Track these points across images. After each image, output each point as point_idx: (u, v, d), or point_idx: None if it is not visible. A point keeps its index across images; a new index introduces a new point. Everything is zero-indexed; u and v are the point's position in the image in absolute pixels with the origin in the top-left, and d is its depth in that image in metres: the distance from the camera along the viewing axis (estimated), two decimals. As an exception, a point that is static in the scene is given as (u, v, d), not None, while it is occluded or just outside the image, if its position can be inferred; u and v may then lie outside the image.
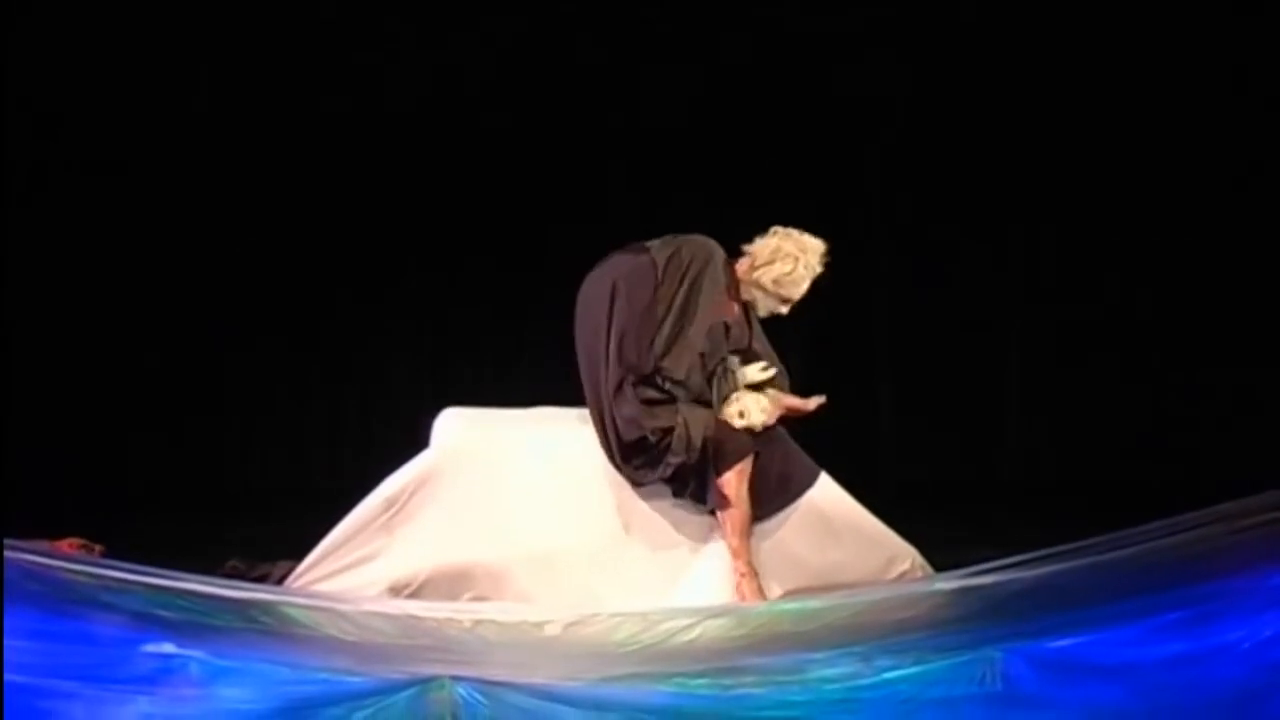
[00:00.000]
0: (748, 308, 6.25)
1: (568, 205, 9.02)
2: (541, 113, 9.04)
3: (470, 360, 9.04)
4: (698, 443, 5.99)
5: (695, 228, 6.15)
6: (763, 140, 9.07)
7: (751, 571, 6.00)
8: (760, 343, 6.32)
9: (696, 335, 6.05)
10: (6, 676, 4.20)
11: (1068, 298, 9.21)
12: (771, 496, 6.13)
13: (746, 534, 6.02)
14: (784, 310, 6.25)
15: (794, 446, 6.21)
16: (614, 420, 6.02)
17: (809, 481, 6.18)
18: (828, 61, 9.03)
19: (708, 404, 6.08)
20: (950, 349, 9.23)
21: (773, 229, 6.24)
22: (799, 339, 7.48)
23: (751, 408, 6.10)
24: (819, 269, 6.20)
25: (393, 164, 9.05)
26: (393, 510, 6.06)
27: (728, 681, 4.60)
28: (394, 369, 9.16)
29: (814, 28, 8.96)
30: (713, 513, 6.09)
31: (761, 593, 5.99)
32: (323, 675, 4.52)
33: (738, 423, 6.07)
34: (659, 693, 4.52)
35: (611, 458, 6.09)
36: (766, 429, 6.12)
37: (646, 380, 6.03)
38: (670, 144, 9.02)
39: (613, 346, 6.02)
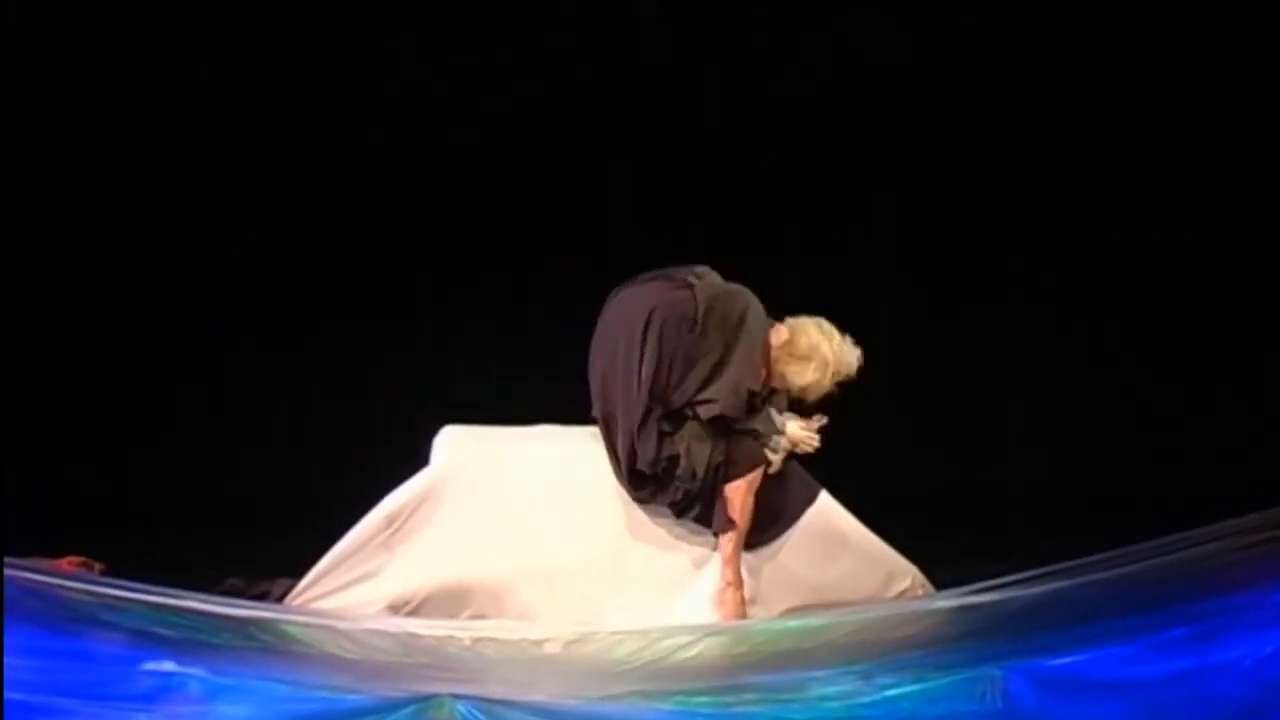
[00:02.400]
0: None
1: (573, 221, 9.01)
2: (549, 126, 9.04)
3: (472, 377, 9.02)
4: (700, 471, 5.98)
5: (699, 243, 6.12)
6: (765, 155, 9.07)
7: (738, 581, 5.97)
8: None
9: (728, 382, 5.99)
10: (6, 694, 4.20)
11: (1069, 310, 9.20)
12: (772, 517, 6.12)
13: (740, 544, 6.00)
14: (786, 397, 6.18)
15: (794, 464, 6.20)
16: (632, 447, 5.99)
17: (809, 500, 6.17)
18: (830, 72, 9.04)
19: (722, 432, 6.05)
20: (950, 363, 9.22)
21: (818, 320, 6.14)
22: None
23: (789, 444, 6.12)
24: (843, 376, 6.12)
25: (398, 174, 9.03)
26: (393, 528, 6.05)
27: (728, 699, 4.60)
28: (395, 386, 9.14)
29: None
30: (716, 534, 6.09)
31: (743, 604, 5.97)
32: (322, 693, 4.52)
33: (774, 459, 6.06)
34: (659, 711, 4.53)
35: (621, 479, 6.07)
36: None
37: (673, 414, 6.00)
38: (676, 159, 9.01)
39: (644, 375, 5.97)
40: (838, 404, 6.32)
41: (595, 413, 6.13)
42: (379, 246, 9.06)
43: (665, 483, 6.02)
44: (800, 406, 6.17)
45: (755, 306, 6.10)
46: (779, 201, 9.05)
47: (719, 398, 5.97)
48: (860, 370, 6.14)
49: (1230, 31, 8.82)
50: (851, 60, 9.04)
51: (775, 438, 6.07)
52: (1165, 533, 5.38)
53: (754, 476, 6.03)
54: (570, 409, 6.31)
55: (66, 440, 8.75)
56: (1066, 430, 9.17)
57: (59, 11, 8.65)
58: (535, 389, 8.16)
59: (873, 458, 9.11)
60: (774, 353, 6.10)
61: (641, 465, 5.97)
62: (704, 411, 5.98)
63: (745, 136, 9.06)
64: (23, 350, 8.59)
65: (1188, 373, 9.06)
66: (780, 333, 6.12)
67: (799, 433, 6.10)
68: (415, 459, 6.24)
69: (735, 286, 6.15)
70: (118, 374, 8.88)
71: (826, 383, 6.09)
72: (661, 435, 5.97)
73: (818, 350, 6.07)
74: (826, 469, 6.28)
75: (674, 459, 5.98)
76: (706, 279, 6.15)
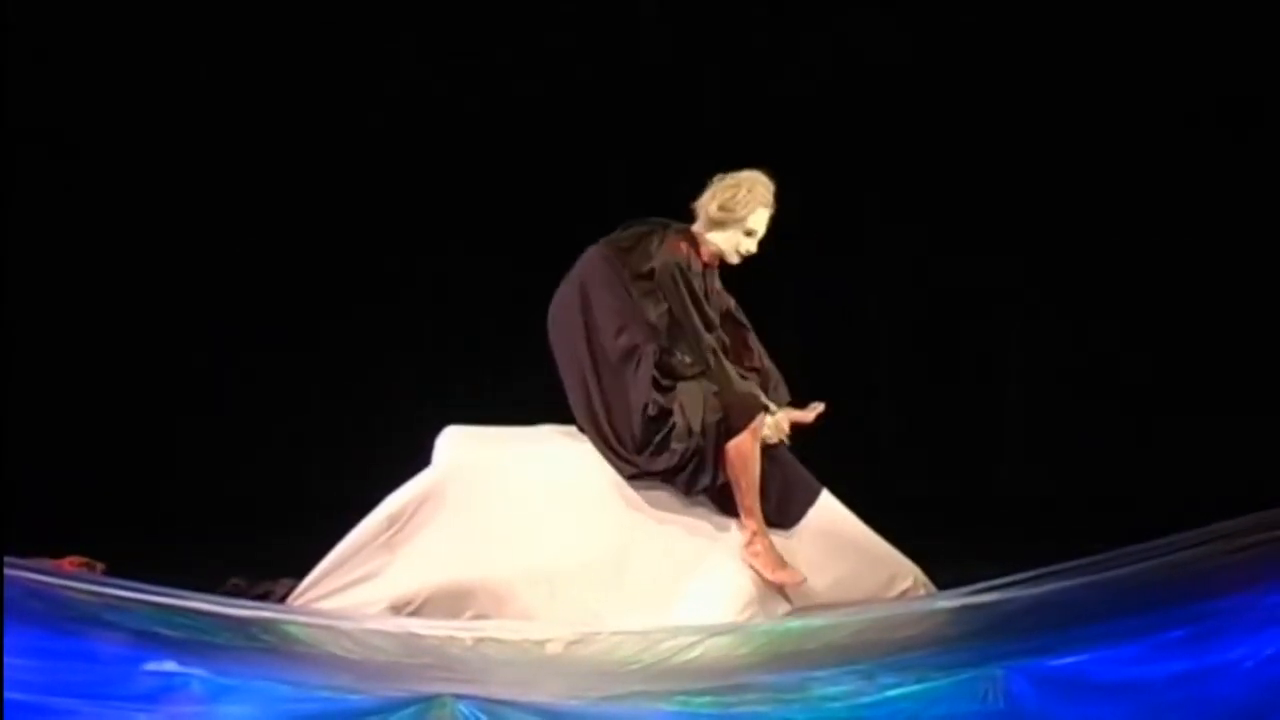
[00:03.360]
0: (720, 264, 6.30)
1: (573, 221, 8.99)
2: (549, 126, 9.04)
3: (473, 378, 9.02)
4: (698, 426, 6.01)
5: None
6: (765, 155, 9.06)
7: (763, 529, 6.02)
8: (759, 351, 6.35)
9: (687, 325, 6.12)
10: (8, 694, 4.20)
11: (1068, 313, 9.20)
12: (774, 517, 6.12)
13: (756, 495, 6.04)
14: (751, 245, 6.24)
15: (796, 464, 6.21)
16: (611, 410, 6.08)
17: (811, 500, 6.18)
18: (829, 73, 9.04)
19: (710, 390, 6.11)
20: (950, 363, 9.22)
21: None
22: (798, 352, 7.48)
23: (770, 429, 6.14)
24: (769, 198, 6.24)
25: (398, 175, 9.04)
26: (394, 528, 6.06)
27: (730, 700, 4.61)
28: (396, 387, 9.15)
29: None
30: (722, 512, 6.09)
31: (773, 549, 6.00)
32: (324, 693, 4.52)
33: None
34: (661, 711, 4.53)
35: (617, 456, 6.09)
36: (770, 446, 6.12)
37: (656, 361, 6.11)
38: (677, 157, 9.00)
39: (609, 336, 6.13)
40: (840, 406, 6.33)
41: (575, 406, 6.22)
42: (380, 247, 9.07)
43: (664, 443, 6.03)
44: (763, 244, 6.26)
45: (656, 229, 6.30)
46: (778, 201, 9.05)
47: (693, 352, 6.10)
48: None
49: (1229, 32, 8.83)
50: (851, 60, 9.05)
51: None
52: (1165, 534, 5.38)
53: (755, 426, 6.05)
54: (571, 410, 6.31)
55: (68, 440, 8.75)
56: (1066, 432, 9.17)
57: (59, 11, 8.65)
58: (536, 390, 8.17)
59: (874, 458, 9.12)
60: (702, 227, 6.25)
61: (634, 415, 6.02)
62: (688, 369, 6.09)
63: (745, 136, 9.05)
64: (24, 350, 8.60)
65: (1188, 373, 9.07)
66: (698, 219, 6.26)
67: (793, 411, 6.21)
68: (417, 459, 6.25)
69: (635, 224, 6.35)
70: (119, 374, 8.89)
71: (745, 194, 6.23)
72: (654, 382, 6.06)
73: (717, 184, 6.25)
74: (828, 470, 6.28)
75: (667, 414, 6.03)
76: (612, 239, 6.35)
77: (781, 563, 6.01)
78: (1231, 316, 8.99)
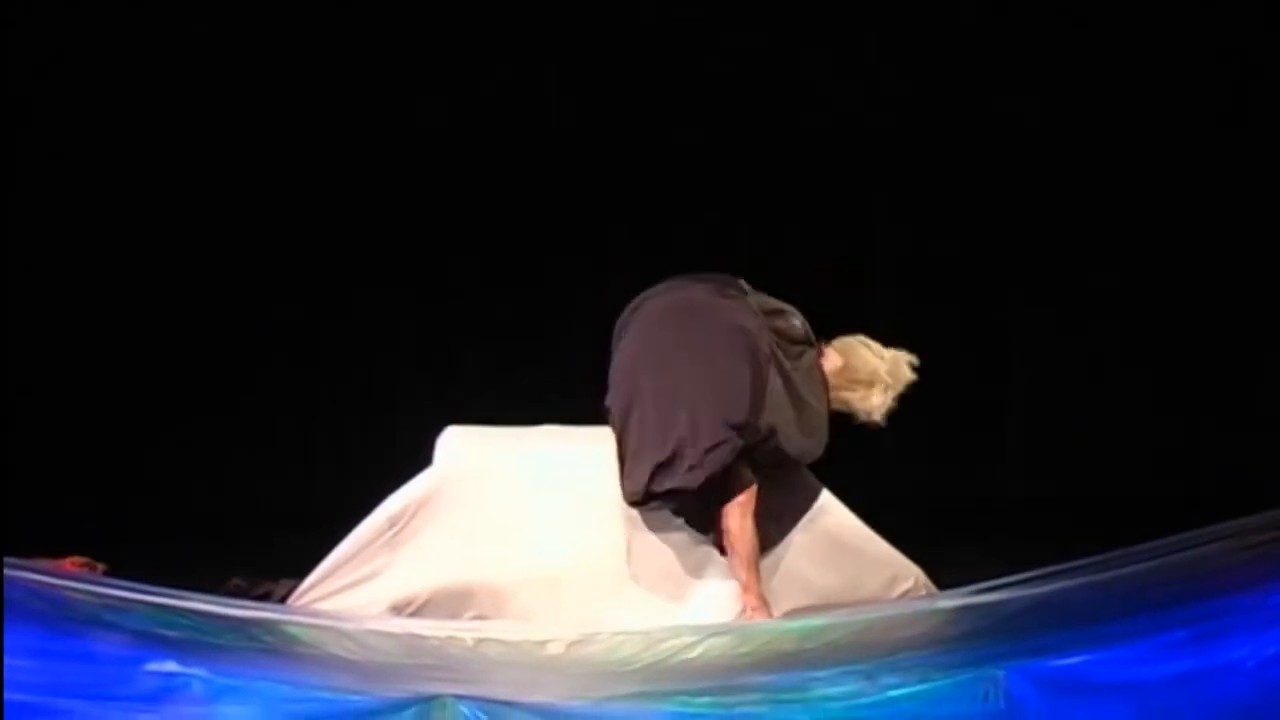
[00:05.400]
0: None
1: (573, 224, 9.02)
2: (550, 125, 9.04)
3: (474, 377, 9.02)
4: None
5: (699, 244, 6.06)
6: (766, 155, 9.07)
7: (763, 605, 5.86)
8: None
9: (808, 424, 5.90)
10: (7, 695, 4.21)
11: (1072, 311, 9.20)
12: (775, 518, 6.09)
13: (754, 566, 5.87)
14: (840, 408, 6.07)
15: (798, 465, 6.18)
16: (683, 467, 5.76)
17: (812, 499, 6.16)
18: (830, 73, 9.05)
19: None
20: (953, 362, 9.22)
21: (862, 339, 6.07)
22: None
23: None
24: (901, 391, 6.05)
25: (399, 180, 9.04)
26: (395, 528, 6.05)
27: (731, 700, 4.60)
28: (398, 386, 9.15)
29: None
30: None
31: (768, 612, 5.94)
32: (325, 694, 4.51)
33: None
34: (662, 711, 4.53)
35: (625, 481, 5.93)
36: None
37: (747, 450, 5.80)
38: (678, 167, 9.02)
39: (715, 405, 5.74)
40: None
41: (614, 404, 5.94)
42: (382, 248, 9.07)
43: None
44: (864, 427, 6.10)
45: (809, 334, 5.98)
46: (779, 201, 9.06)
47: (802, 446, 5.87)
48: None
49: (1230, 32, 8.84)
50: (852, 60, 9.05)
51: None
52: (1167, 533, 5.38)
53: (747, 497, 5.87)
54: (574, 409, 6.30)
55: (69, 441, 8.75)
56: (1068, 433, 9.17)
57: (56, 14, 8.66)
58: (539, 389, 8.18)
59: (874, 459, 9.12)
60: (832, 380, 6.00)
61: (686, 483, 5.73)
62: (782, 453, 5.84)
63: (746, 136, 9.07)
64: (25, 350, 8.60)
65: (1188, 373, 9.07)
66: (832, 358, 6.03)
67: None
68: (418, 459, 6.24)
69: (791, 309, 6.01)
70: (121, 375, 8.89)
71: (890, 402, 6.02)
72: (727, 470, 5.74)
73: (877, 374, 6.01)
74: (830, 473, 6.27)
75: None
76: (765, 302, 5.99)
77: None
78: (1234, 316, 8.99)
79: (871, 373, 6.01)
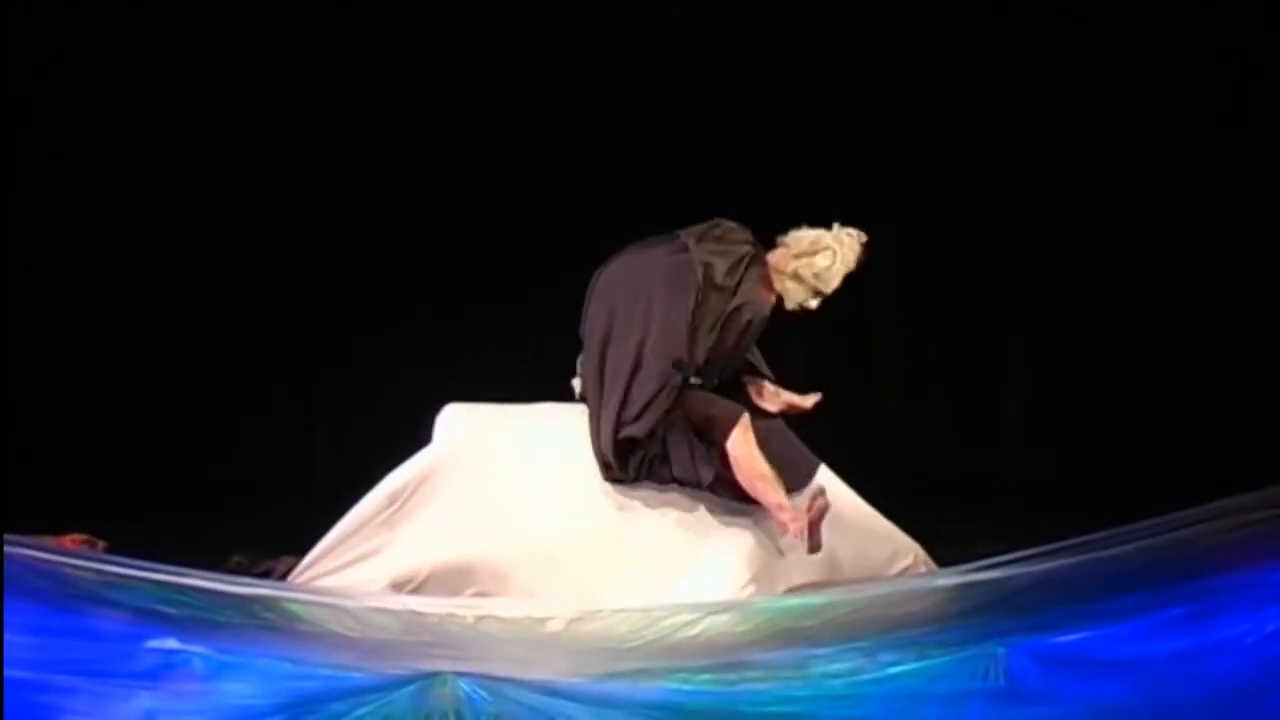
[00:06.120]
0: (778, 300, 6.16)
1: (573, 202, 9.02)
2: (549, 133, 9.04)
3: (473, 356, 9.03)
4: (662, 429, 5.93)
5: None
6: (767, 150, 9.07)
7: (799, 517, 5.85)
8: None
9: (731, 345, 6.00)
10: (8, 671, 4.21)
11: (1072, 290, 9.20)
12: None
13: (777, 484, 5.89)
14: (813, 305, 6.15)
15: (794, 439, 6.19)
16: (632, 414, 5.92)
17: (809, 475, 6.15)
18: (829, 67, 9.04)
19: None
20: (953, 340, 9.23)
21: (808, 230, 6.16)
22: (801, 331, 7.47)
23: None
24: (853, 264, 6.11)
25: (396, 160, 9.04)
26: (395, 506, 6.05)
27: (731, 677, 4.61)
28: (397, 364, 9.16)
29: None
30: (721, 494, 6.06)
31: (804, 517, 5.89)
32: (325, 671, 4.52)
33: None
34: (662, 688, 4.53)
35: (597, 446, 6.02)
36: (767, 417, 6.11)
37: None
38: (677, 167, 9.01)
39: (654, 348, 5.91)
40: (841, 384, 6.32)
41: (584, 373, 6.08)
42: (382, 232, 9.09)
43: (624, 465, 5.98)
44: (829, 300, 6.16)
45: (750, 244, 6.10)
46: (779, 201, 9.04)
47: (711, 373, 5.98)
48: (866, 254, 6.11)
49: (1230, 32, 8.84)
50: (852, 60, 9.05)
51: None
52: (1166, 512, 5.39)
53: (743, 424, 5.93)
54: (571, 389, 6.30)
55: (70, 419, 8.76)
56: (1068, 414, 9.18)
57: (55, 14, 8.65)
58: (535, 368, 8.19)
59: (874, 436, 9.13)
60: (776, 269, 6.10)
61: (635, 431, 5.88)
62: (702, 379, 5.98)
63: (746, 136, 9.06)
64: (25, 330, 8.60)
65: (1190, 356, 9.07)
66: (777, 252, 6.13)
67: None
68: (417, 437, 6.24)
69: (732, 228, 6.15)
70: (122, 353, 8.90)
71: (839, 265, 6.08)
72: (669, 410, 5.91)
73: (820, 240, 6.10)
74: (828, 448, 6.28)
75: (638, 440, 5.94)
76: (703, 237, 6.14)
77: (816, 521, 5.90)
78: (1233, 301, 9.00)
79: (814, 240, 6.10)
